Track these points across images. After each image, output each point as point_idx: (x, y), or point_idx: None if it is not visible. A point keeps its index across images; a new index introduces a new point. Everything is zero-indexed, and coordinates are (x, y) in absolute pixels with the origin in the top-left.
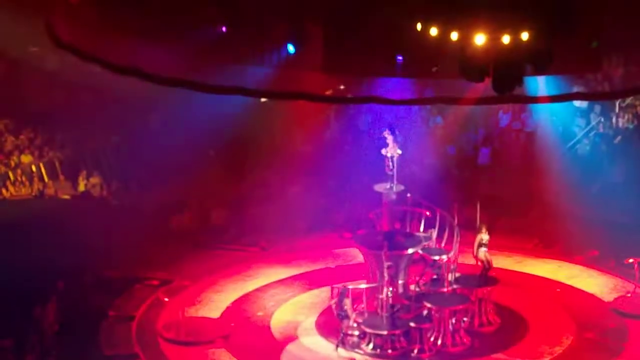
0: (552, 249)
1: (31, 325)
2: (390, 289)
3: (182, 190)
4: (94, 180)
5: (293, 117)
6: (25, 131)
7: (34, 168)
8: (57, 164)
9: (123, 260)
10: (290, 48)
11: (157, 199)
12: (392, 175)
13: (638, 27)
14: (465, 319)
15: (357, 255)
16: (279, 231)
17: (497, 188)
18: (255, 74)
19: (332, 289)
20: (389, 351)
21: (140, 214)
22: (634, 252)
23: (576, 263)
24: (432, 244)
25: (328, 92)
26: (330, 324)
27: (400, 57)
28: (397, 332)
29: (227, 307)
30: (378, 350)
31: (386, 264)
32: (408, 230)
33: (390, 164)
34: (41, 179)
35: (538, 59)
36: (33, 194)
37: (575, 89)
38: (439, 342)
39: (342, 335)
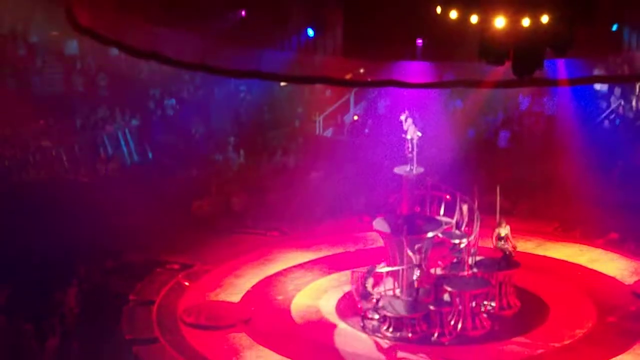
0: (572, 232)
1: (52, 309)
2: (418, 272)
3: (202, 176)
4: (114, 164)
5: (313, 102)
6: (45, 116)
7: (53, 153)
8: (76, 148)
9: (144, 245)
10: (310, 32)
11: (178, 184)
12: (412, 158)
13: None
14: (493, 303)
15: (377, 240)
16: (299, 216)
17: (517, 171)
18: (275, 59)
19: (352, 273)
20: (409, 335)
21: (161, 199)
22: None
23: (597, 246)
24: (453, 227)
25: (348, 76)
26: (351, 308)
27: (420, 41)
28: (417, 315)
29: (248, 292)
30: (398, 333)
31: (416, 246)
32: (428, 213)
33: (410, 146)
34: (61, 163)
35: (558, 42)
36: (53, 178)
37: (596, 72)
38: (459, 325)
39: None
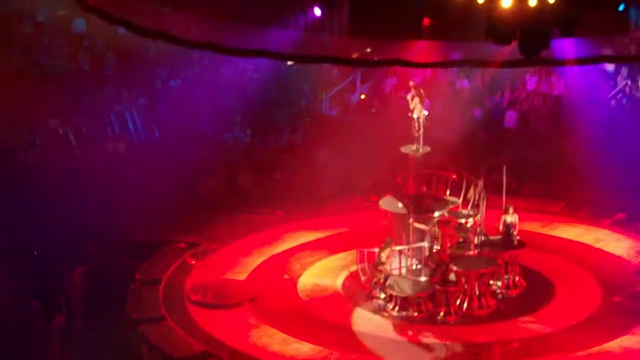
0: (578, 212)
1: (59, 288)
2: (424, 251)
3: (209, 155)
4: (120, 143)
5: (319, 81)
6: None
7: (60, 132)
8: (83, 127)
9: (150, 224)
10: (317, 11)
11: (185, 163)
12: (419, 137)
13: None
14: (499, 283)
15: (383, 219)
16: (305, 195)
17: (523, 151)
18: (282, 37)
19: (358, 252)
20: (415, 314)
21: (168, 178)
22: None
23: (603, 227)
24: (459, 207)
25: (354, 55)
26: (357, 287)
27: (426, 20)
28: (423, 295)
29: (254, 270)
30: (404, 313)
31: (430, 225)
32: (434, 193)
33: (416, 125)
34: (68, 142)
35: (565, 22)
36: (60, 157)
37: (603, 52)
38: (465, 305)
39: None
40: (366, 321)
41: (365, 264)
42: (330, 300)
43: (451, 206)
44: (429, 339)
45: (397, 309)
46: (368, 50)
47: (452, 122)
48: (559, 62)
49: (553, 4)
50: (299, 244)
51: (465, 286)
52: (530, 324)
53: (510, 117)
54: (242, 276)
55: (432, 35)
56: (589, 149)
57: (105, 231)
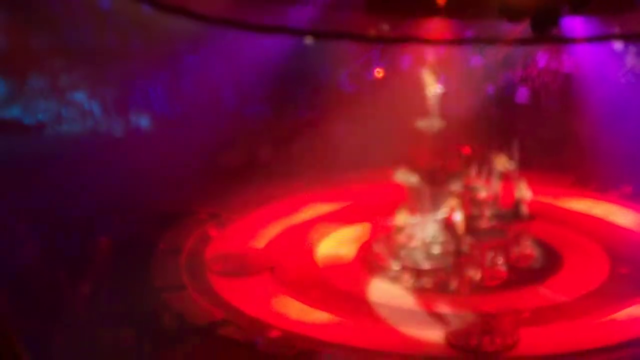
0: (587, 186)
1: (85, 257)
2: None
3: (229, 128)
4: (144, 116)
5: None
6: (78, 69)
7: (85, 106)
8: (108, 100)
9: (173, 195)
10: None
11: (206, 136)
12: (433, 112)
13: None
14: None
15: (398, 192)
16: (323, 168)
17: (534, 127)
18: (300, 14)
19: (374, 223)
20: (429, 284)
21: (190, 151)
22: None
23: (611, 200)
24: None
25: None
26: (373, 258)
27: None
28: (437, 266)
29: (272, 240)
30: (418, 283)
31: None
32: (449, 167)
33: (431, 101)
34: (93, 115)
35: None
36: (85, 131)
37: (613, 30)
38: (478, 276)
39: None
40: (381, 291)
41: (381, 235)
42: (346, 270)
43: (465, 179)
44: (442, 308)
45: (411, 279)
46: (385, 27)
47: (465, 98)
48: (570, 40)
49: None
50: (317, 215)
51: (478, 257)
52: (540, 294)
53: (522, 94)
54: (261, 246)
55: (447, 13)
56: (598, 125)
57: (130, 202)
